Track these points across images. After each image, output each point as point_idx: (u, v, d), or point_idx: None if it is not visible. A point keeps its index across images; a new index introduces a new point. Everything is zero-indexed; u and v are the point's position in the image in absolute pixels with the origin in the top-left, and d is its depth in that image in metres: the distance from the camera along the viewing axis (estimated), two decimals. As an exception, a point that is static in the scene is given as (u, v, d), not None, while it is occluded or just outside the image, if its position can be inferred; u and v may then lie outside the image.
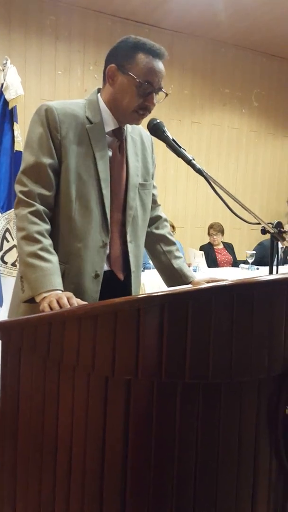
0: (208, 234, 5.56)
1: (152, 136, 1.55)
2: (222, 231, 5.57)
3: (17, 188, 1.42)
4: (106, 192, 1.48)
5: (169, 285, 1.76)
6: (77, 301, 1.27)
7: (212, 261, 5.30)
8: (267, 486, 1.16)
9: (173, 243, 1.80)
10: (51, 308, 1.24)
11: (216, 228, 5.49)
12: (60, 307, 1.24)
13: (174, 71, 5.93)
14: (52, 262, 1.34)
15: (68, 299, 1.26)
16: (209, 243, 5.58)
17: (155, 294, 1.04)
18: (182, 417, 1.04)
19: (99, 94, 1.55)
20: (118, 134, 1.55)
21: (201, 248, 5.49)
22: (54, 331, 1.10)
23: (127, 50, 1.46)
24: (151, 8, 5.23)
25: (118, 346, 1.02)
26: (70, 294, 1.30)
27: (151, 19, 5.54)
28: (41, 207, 1.40)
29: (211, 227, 5.54)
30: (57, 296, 1.27)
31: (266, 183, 6.83)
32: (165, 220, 1.82)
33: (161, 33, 5.75)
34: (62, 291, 1.32)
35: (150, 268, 4.39)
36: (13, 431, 1.18)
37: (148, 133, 1.62)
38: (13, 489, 1.20)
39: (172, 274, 1.74)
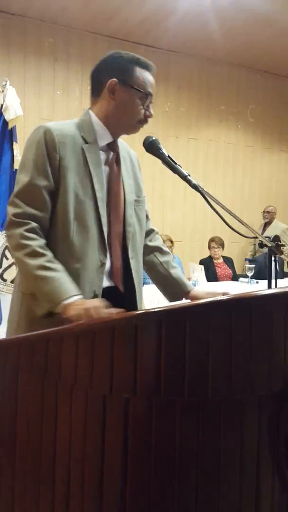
0: (209, 247, 5.55)
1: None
2: (223, 245, 5.58)
3: (10, 210, 1.40)
4: (103, 211, 1.48)
5: (168, 296, 1.74)
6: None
7: (212, 275, 5.30)
8: (270, 505, 1.14)
9: (168, 253, 1.79)
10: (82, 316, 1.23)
11: (217, 242, 5.49)
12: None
13: (170, 89, 6.01)
14: (62, 271, 1.34)
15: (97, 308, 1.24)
16: (209, 257, 5.58)
17: (152, 310, 1.04)
18: (182, 435, 1.03)
19: (90, 111, 1.56)
20: (113, 147, 1.56)
21: (201, 262, 5.48)
22: (51, 349, 1.09)
23: (125, 64, 1.50)
24: (147, 28, 5.33)
25: (116, 363, 1.02)
26: (97, 302, 1.27)
27: (147, 39, 5.63)
28: (35, 224, 1.38)
29: (212, 240, 5.54)
30: (92, 304, 1.25)
31: (263, 197, 6.85)
32: (157, 232, 1.84)
33: (157, 53, 5.84)
34: (80, 295, 1.31)
35: (149, 283, 4.38)
36: (11, 449, 1.17)
37: (133, 151, 1.68)
38: (11, 507, 1.18)
39: (171, 285, 1.73)
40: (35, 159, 1.40)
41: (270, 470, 1.14)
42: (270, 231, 5.82)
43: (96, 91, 1.54)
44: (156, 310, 1.04)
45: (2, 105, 3.30)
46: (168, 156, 1.50)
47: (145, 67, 1.54)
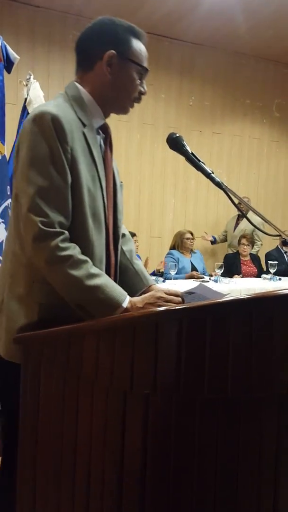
0: (239, 244, 5.48)
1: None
2: (252, 243, 5.51)
3: (34, 218, 1.17)
4: (106, 201, 1.35)
5: (125, 288, 1.34)
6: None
7: (236, 272, 5.25)
8: (288, 505, 1.14)
9: (131, 241, 1.64)
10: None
11: (248, 239, 5.43)
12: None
13: (195, 83, 5.96)
14: (104, 273, 1.25)
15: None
16: (237, 252, 5.51)
17: (173, 308, 1.04)
18: (201, 432, 1.03)
19: (79, 87, 1.38)
20: (105, 129, 1.43)
21: (226, 257, 5.44)
22: (73, 345, 1.11)
23: (122, 35, 1.36)
24: (172, 21, 5.29)
25: (137, 360, 1.03)
26: (151, 298, 1.25)
27: (172, 32, 5.59)
28: (66, 233, 1.22)
29: (243, 237, 5.47)
30: (149, 300, 1.23)
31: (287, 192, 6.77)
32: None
33: (182, 46, 5.79)
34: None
35: (171, 278, 4.39)
36: (33, 444, 1.19)
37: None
38: (32, 502, 1.21)
39: (132, 277, 1.55)
40: (50, 154, 1.20)
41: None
42: (245, 224, 5.69)
43: (87, 63, 1.37)
44: (177, 308, 1.04)
45: (26, 99, 3.32)
46: (192, 153, 1.48)
47: (140, 37, 1.41)
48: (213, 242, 5.85)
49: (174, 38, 5.71)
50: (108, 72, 1.35)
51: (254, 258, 5.54)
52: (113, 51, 1.34)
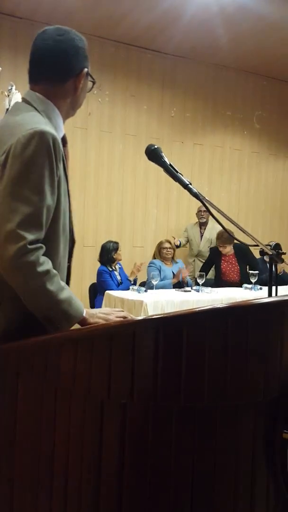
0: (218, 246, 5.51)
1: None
2: (229, 242, 5.51)
3: (23, 234, 1.13)
4: (71, 215, 1.36)
5: None
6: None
7: (217, 269, 5.32)
8: (265, 510, 1.15)
9: None
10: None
11: (223, 240, 5.39)
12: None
13: (176, 94, 6.04)
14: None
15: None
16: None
17: (150, 317, 1.06)
18: (178, 440, 1.04)
19: (49, 101, 1.35)
20: (65, 141, 1.42)
21: (211, 251, 5.46)
22: (51, 355, 1.11)
23: (86, 52, 1.42)
24: (154, 34, 5.37)
25: (114, 369, 1.04)
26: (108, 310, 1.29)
27: (154, 45, 5.67)
28: (43, 247, 1.19)
29: (218, 238, 5.43)
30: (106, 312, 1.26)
31: (268, 203, 6.86)
32: None
33: (163, 58, 5.88)
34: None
35: (153, 288, 4.40)
36: (10, 454, 1.19)
37: None
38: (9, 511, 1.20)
39: None
40: (49, 175, 1.19)
41: (265, 476, 1.15)
42: (207, 232, 5.73)
43: (60, 77, 1.35)
44: (153, 317, 1.05)
45: (7, 109, 3.33)
46: (170, 165, 1.51)
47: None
48: (178, 246, 5.79)
49: (155, 51, 5.79)
50: (78, 88, 1.38)
51: (239, 252, 5.33)
52: (86, 69, 1.40)
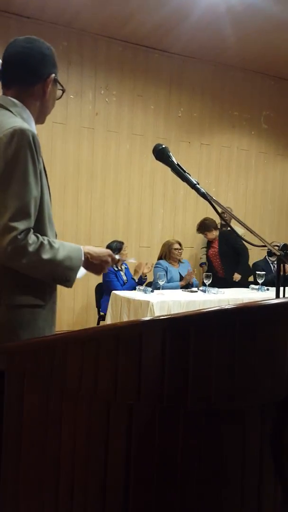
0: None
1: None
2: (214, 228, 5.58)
3: (7, 238, 1.27)
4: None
5: None
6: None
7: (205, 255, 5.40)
8: (272, 515, 1.14)
9: None
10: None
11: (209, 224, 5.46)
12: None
13: (183, 94, 6.03)
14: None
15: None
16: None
17: (157, 318, 1.05)
18: (184, 442, 1.03)
19: (22, 104, 1.46)
20: None
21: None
22: (57, 355, 1.11)
23: (55, 59, 1.51)
24: (161, 33, 5.36)
25: (121, 370, 1.03)
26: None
27: (161, 44, 5.66)
28: (31, 229, 1.34)
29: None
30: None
31: (276, 203, 6.83)
32: None
33: (171, 58, 5.86)
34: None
35: (159, 288, 4.39)
36: (16, 455, 1.18)
37: None
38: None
39: None
40: (32, 168, 1.32)
41: (272, 479, 1.14)
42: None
43: (29, 81, 1.46)
44: (161, 318, 1.05)
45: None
46: (178, 164, 1.50)
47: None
48: (203, 264, 5.89)
49: (163, 50, 5.78)
50: (46, 92, 1.49)
51: (222, 238, 5.45)
52: (53, 75, 1.49)
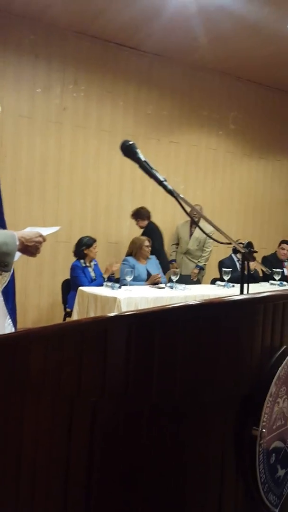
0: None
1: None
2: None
3: None
4: None
5: None
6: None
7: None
8: (234, 509, 1.16)
9: None
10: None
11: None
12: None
13: (153, 92, 6.03)
14: None
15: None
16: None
17: (123, 314, 1.05)
18: (149, 437, 1.04)
19: None
20: None
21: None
22: (20, 352, 1.09)
23: None
24: (131, 31, 5.34)
25: (85, 366, 1.02)
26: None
27: (131, 42, 5.64)
28: None
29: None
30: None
31: (242, 202, 6.94)
32: None
33: (141, 56, 5.86)
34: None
35: (126, 285, 4.39)
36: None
37: None
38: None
39: None
40: None
41: (234, 473, 1.16)
42: (199, 232, 5.82)
43: None
44: (126, 314, 1.05)
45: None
46: (145, 161, 1.50)
47: None
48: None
49: (133, 48, 5.77)
50: None
51: (146, 229, 5.56)
52: None
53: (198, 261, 5.90)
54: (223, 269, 4.92)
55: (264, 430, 1.15)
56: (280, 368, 1.19)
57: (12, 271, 1.56)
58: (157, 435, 1.04)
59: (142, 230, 5.62)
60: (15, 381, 1.09)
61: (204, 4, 4.60)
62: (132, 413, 1.03)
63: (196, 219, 5.12)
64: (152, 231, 5.52)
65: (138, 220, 5.61)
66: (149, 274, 4.92)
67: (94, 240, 4.78)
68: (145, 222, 5.61)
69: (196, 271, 5.85)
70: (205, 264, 5.97)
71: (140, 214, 5.60)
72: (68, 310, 4.73)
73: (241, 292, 1.81)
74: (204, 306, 1.06)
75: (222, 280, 4.92)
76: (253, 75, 6.55)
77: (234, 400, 1.14)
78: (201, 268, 5.93)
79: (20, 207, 5.24)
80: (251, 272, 5.24)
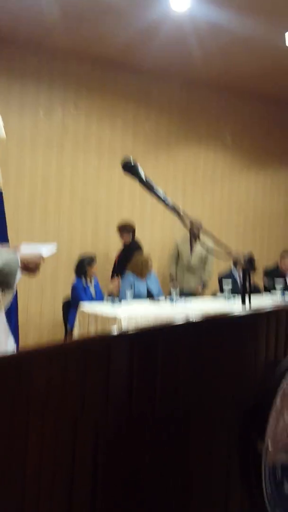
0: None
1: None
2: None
3: None
4: None
5: None
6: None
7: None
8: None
9: None
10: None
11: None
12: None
13: (151, 110, 6.13)
14: None
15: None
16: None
17: (125, 331, 1.06)
18: (152, 454, 1.04)
19: None
20: None
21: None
22: (23, 371, 1.09)
23: None
24: (130, 52, 5.44)
25: (88, 383, 1.02)
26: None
27: (131, 62, 5.75)
28: None
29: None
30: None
31: (241, 216, 6.97)
32: None
33: (139, 75, 5.96)
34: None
35: (126, 299, 4.39)
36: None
37: None
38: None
39: None
40: None
41: (239, 486, 1.15)
42: (198, 247, 5.74)
43: None
44: (129, 331, 1.05)
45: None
46: (146, 179, 1.52)
47: None
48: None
49: (132, 68, 5.87)
50: None
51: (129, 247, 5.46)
52: None
53: (201, 276, 5.78)
54: (224, 279, 4.93)
55: (269, 444, 1.15)
56: (284, 381, 1.20)
57: (15, 292, 1.59)
58: (160, 451, 1.04)
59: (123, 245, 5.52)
60: (19, 399, 1.09)
61: (198, 22, 4.69)
62: (135, 429, 1.03)
63: (197, 235, 5.12)
64: (136, 250, 5.42)
65: (124, 234, 5.49)
66: (149, 293, 4.91)
67: (93, 260, 4.83)
68: (129, 236, 5.53)
69: (200, 287, 5.75)
70: (207, 279, 5.89)
71: (126, 229, 5.51)
72: (68, 328, 4.72)
73: (243, 303, 1.81)
74: (206, 323, 1.07)
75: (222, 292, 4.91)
76: (249, 89, 6.64)
77: (239, 415, 1.14)
78: (204, 285, 5.82)
79: (23, 226, 5.30)
80: (252, 285, 5.23)
